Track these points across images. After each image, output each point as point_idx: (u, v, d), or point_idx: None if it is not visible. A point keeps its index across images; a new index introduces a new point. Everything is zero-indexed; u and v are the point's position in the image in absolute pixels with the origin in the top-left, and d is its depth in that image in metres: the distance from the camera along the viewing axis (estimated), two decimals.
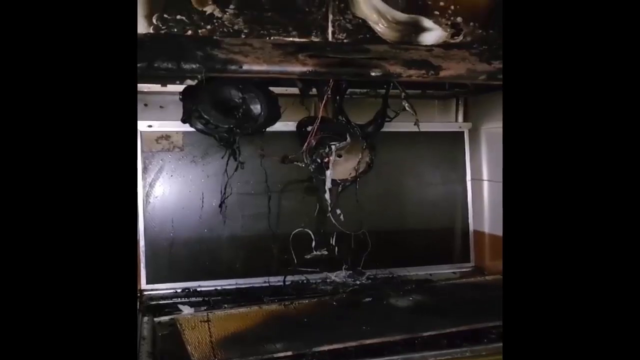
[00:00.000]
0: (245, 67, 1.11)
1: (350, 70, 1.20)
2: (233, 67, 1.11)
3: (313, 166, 1.56)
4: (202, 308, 1.42)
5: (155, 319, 1.32)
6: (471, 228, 1.86)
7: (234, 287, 1.59)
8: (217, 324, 1.28)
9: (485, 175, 1.83)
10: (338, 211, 1.63)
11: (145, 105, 1.67)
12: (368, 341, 1.17)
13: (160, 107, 1.68)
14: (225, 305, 1.43)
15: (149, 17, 1.18)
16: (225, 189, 1.58)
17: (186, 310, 1.40)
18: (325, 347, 1.14)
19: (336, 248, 1.69)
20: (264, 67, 1.13)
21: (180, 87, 1.50)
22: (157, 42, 1.14)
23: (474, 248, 1.86)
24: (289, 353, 1.11)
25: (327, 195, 1.58)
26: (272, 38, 1.22)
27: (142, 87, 1.56)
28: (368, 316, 1.36)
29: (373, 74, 1.19)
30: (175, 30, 1.18)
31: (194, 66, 1.10)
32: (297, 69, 1.14)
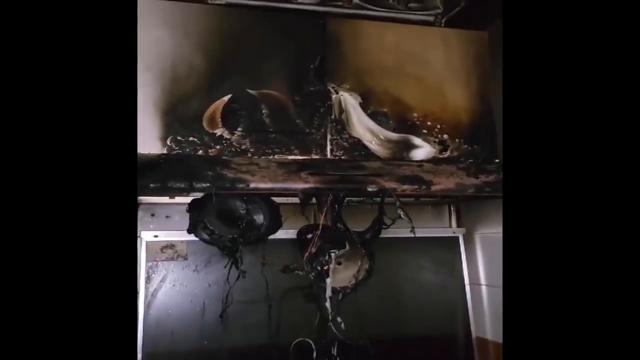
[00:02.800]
0: (252, 185, 1.20)
1: (348, 187, 1.29)
2: (241, 186, 1.20)
3: (313, 274, 1.58)
4: None
5: None
6: (474, 335, 1.83)
7: None
8: None
9: (483, 280, 1.85)
10: (339, 319, 1.61)
11: (153, 215, 1.74)
12: None
13: (167, 217, 1.75)
14: None
15: (163, 140, 1.29)
16: (227, 298, 1.59)
17: None
18: None
19: (338, 358, 1.64)
20: (269, 185, 1.22)
21: (187, 199, 1.58)
22: (170, 163, 1.24)
23: (479, 356, 1.82)
24: None
25: (327, 304, 1.58)
26: (276, 156, 1.33)
27: (150, 199, 1.64)
28: None
29: (369, 189, 1.28)
30: (187, 150, 1.29)
31: (204, 185, 1.19)
32: (300, 186, 1.24)
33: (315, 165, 1.31)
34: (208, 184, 1.19)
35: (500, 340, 1.75)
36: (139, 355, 1.49)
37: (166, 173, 1.20)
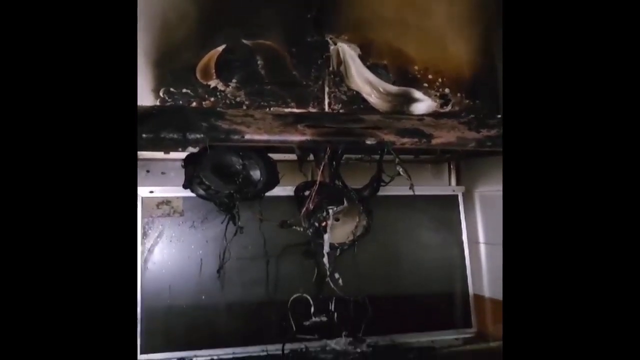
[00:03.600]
0: (247, 136, 1.17)
1: (346, 139, 1.26)
2: (236, 137, 1.17)
3: (311, 230, 1.58)
4: None
5: None
6: (471, 292, 1.85)
7: (230, 356, 1.54)
8: None
9: (481, 238, 1.85)
10: (337, 275, 1.62)
11: (148, 171, 1.72)
12: None
13: (162, 173, 1.73)
14: None
15: (156, 91, 1.26)
16: (224, 254, 1.59)
17: None
18: None
19: (335, 314, 1.66)
20: (265, 137, 1.19)
21: (182, 154, 1.55)
22: (164, 114, 1.20)
23: (475, 313, 1.84)
24: None
25: (325, 260, 1.58)
26: (271, 109, 1.29)
27: (145, 154, 1.61)
28: None
29: (368, 142, 1.25)
30: (181, 102, 1.26)
31: (198, 136, 1.16)
32: (297, 138, 1.21)
33: (313, 118, 1.27)
34: (202, 135, 1.16)
35: (497, 298, 1.77)
36: (138, 309, 1.51)
37: (159, 125, 1.17)
